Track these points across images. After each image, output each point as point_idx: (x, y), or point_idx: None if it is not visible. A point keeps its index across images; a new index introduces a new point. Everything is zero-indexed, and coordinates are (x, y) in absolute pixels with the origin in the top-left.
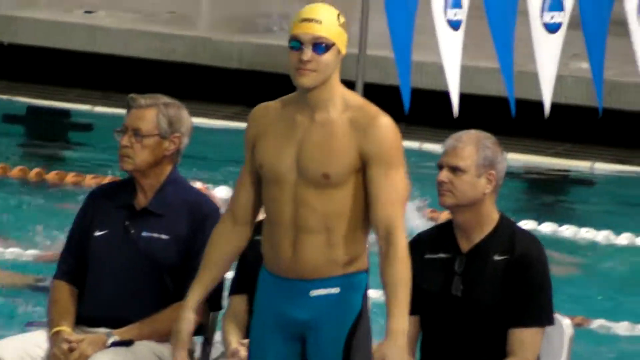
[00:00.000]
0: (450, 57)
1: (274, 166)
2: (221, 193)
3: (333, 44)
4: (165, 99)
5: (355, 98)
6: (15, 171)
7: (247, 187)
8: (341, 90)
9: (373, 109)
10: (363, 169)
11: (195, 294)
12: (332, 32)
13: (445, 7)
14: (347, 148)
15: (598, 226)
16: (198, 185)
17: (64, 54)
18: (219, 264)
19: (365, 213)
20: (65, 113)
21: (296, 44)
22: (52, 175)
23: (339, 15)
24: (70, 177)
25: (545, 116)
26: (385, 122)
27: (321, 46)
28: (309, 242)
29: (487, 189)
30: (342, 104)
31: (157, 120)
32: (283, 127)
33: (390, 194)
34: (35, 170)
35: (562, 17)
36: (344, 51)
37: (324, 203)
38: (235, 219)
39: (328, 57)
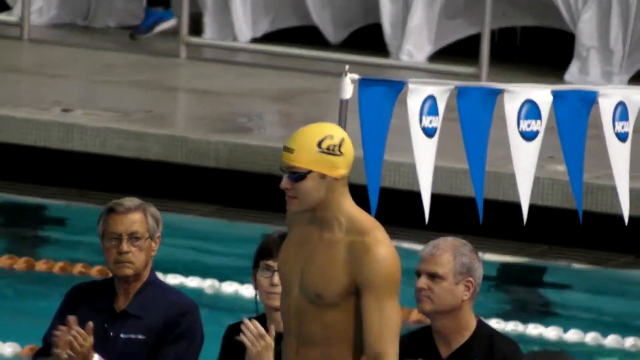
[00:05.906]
0: (424, 164)
1: (286, 276)
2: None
3: (309, 172)
4: (138, 199)
5: (361, 220)
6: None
7: None
8: (349, 210)
9: (376, 235)
10: (358, 293)
11: None
12: (307, 160)
13: (421, 114)
14: (341, 272)
15: (568, 327)
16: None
17: (40, 151)
18: None
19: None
20: (41, 208)
21: (283, 172)
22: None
23: (323, 139)
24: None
25: (523, 223)
26: (382, 252)
27: (294, 175)
28: (310, 355)
29: (465, 295)
30: (347, 225)
31: (146, 221)
32: (299, 239)
33: (382, 324)
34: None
35: (539, 126)
36: (333, 173)
37: (322, 320)
38: None
39: (306, 184)
